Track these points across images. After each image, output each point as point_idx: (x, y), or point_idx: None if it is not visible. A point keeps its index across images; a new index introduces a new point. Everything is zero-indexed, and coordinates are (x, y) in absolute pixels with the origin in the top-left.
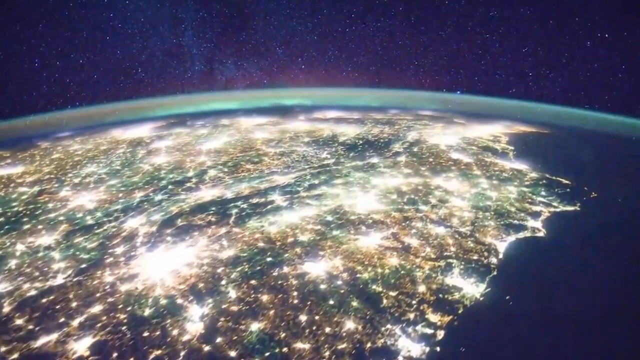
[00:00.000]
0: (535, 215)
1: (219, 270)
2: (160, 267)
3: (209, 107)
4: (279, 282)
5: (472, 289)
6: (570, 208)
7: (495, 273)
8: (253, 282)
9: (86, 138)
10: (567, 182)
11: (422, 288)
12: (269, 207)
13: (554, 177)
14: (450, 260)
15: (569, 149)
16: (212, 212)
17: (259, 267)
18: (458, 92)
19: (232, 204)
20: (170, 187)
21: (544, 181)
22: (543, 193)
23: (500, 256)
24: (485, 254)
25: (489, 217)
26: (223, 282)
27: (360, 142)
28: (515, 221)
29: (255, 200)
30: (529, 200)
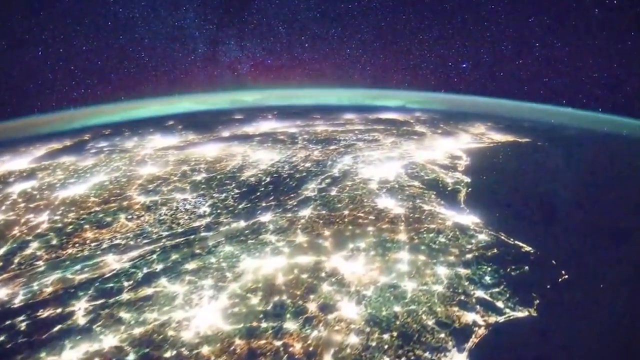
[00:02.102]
0: (463, 335)
1: None
2: None
3: (148, 113)
4: None
5: None
6: (522, 313)
7: None
8: None
9: None
10: (528, 249)
11: None
12: (56, 329)
13: (510, 241)
14: None
15: (545, 177)
16: None
17: None
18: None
19: (6, 323)
20: None
21: (495, 250)
22: (487, 278)
23: None
24: None
25: (385, 346)
26: None
27: (267, 179)
28: (427, 354)
29: (46, 313)
30: (463, 296)
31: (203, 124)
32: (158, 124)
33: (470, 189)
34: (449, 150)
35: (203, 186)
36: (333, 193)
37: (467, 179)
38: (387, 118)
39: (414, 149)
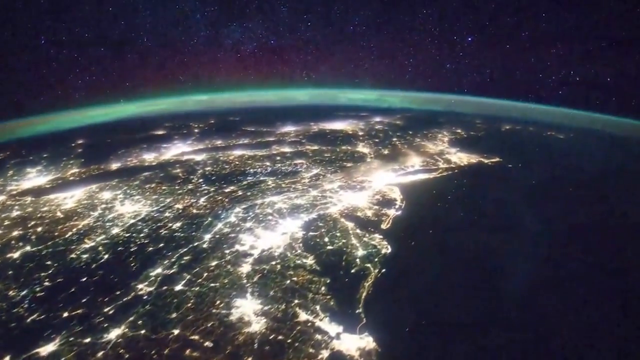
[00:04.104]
0: None
1: None
2: None
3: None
4: None
5: None
6: None
7: None
8: None
9: None
10: None
11: None
12: None
13: None
14: None
15: (501, 238)
16: None
17: None
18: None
19: None
20: None
21: None
22: None
23: None
24: None
25: None
26: None
27: (105, 257)
28: None
29: None
30: None
31: (105, 145)
32: (62, 142)
33: (383, 270)
34: (384, 187)
35: (10, 272)
36: (178, 287)
37: (387, 248)
38: (332, 130)
39: (337, 188)
